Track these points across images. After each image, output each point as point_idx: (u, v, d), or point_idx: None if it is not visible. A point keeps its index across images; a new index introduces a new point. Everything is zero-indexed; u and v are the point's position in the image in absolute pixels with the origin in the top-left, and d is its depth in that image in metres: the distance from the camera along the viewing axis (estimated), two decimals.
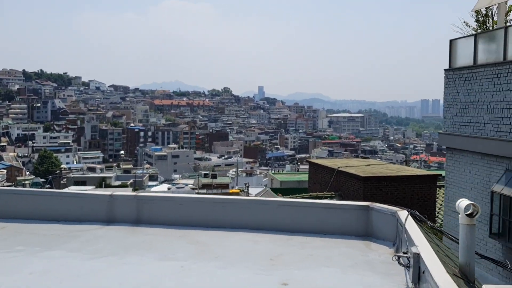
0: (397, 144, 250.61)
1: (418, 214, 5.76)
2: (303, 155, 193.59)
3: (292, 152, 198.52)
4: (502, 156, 10.55)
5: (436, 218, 18.95)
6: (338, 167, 19.39)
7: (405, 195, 17.70)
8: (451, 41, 12.94)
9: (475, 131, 11.60)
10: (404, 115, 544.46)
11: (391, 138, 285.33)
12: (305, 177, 40.45)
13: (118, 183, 71.80)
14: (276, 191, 33.33)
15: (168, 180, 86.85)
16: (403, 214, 5.85)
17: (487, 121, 11.17)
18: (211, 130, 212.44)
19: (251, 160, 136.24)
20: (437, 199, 18.80)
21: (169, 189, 47.25)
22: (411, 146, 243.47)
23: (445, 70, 13.03)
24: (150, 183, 75.20)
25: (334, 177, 19.40)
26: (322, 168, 20.90)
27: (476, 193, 11.49)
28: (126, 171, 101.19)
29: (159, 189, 50.19)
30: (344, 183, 18.81)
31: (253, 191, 37.32)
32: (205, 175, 47.97)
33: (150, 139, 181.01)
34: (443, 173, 17.85)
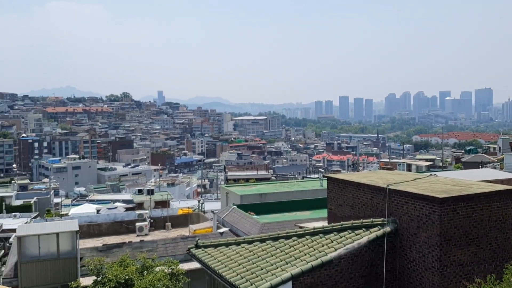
0: (299, 145, 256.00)
1: None
2: (212, 159, 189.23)
3: (200, 157, 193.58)
4: None
5: None
6: (388, 185, 15.07)
7: (482, 219, 13.95)
8: None
9: None
10: (301, 117, 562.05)
11: (293, 139, 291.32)
12: (264, 188, 35.74)
13: (19, 202, 61.56)
14: (245, 208, 28.24)
15: (81, 196, 77.29)
16: None
17: None
18: (113, 138, 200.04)
19: (159, 167, 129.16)
20: None
21: (98, 211, 39.74)
22: (312, 146, 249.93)
23: None
24: (56, 199, 65.65)
25: (382, 198, 15.06)
26: (354, 186, 16.45)
27: None
28: (23, 187, 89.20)
29: (82, 211, 42.34)
30: (401, 207, 14.55)
31: (210, 207, 31.87)
32: (140, 192, 41.21)
33: (46, 150, 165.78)
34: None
